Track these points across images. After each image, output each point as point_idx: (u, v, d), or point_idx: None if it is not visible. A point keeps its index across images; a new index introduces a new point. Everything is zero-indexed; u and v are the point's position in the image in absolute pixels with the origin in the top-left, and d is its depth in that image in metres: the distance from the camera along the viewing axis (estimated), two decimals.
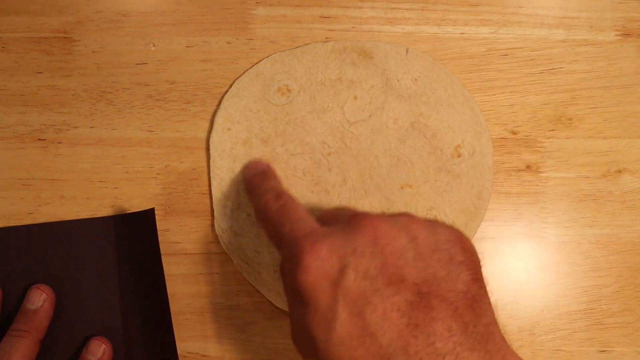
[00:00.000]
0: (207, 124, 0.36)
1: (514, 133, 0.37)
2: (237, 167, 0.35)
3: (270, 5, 0.37)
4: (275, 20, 0.37)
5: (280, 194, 0.30)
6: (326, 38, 0.37)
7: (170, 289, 0.35)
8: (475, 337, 0.23)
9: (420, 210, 0.35)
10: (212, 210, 0.35)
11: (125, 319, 0.34)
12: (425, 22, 0.37)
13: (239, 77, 0.36)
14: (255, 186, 0.32)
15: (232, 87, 0.36)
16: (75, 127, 0.36)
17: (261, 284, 0.35)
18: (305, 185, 0.35)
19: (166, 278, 0.35)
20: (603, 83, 0.37)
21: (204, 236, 0.36)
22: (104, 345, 0.33)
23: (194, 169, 0.36)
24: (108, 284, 0.34)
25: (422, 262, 0.24)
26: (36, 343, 0.32)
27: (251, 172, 0.34)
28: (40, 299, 0.32)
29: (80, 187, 0.36)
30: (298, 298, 0.25)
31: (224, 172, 0.35)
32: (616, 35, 0.38)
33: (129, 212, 0.35)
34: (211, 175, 0.35)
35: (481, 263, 0.26)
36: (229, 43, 0.37)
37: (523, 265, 0.36)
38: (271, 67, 0.36)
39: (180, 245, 0.35)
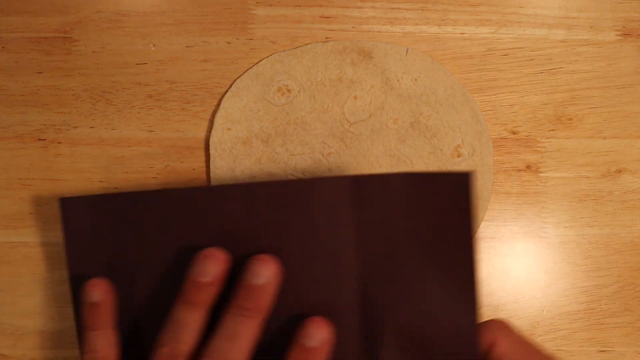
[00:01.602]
0: (207, 124, 0.36)
1: (514, 133, 0.37)
2: (237, 167, 0.35)
3: (270, 5, 0.37)
4: (275, 20, 0.37)
5: None
6: (326, 38, 0.37)
7: None
8: None
9: None
10: None
11: (376, 299, 0.27)
12: (425, 22, 0.37)
13: (239, 77, 0.36)
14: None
15: (232, 87, 0.36)
16: (75, 127, 0.36)
17: None
18: None
19: None
20: (603, 83, 0.37)
21: None
22: (326, 328, 0.26)
23: (194, 169, 0.36)
24: (344, 256, 0.28)
25: None
26: (262, 326, 0.27)
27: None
28: (268, 274, 0.27)
29: (80, 187, 0.36)
30: None
31: (224, 172, 0.35)
32: (616, 35, 0.38)
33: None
34: (211, 175, 0.35)
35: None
36: (229, 43, 0.37)
37: (523, 265, 0.36)
38: (271, 67, 0.36)
39: None
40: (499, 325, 0.26)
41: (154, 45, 0.37)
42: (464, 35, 0.37)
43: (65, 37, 0.37)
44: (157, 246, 0.29)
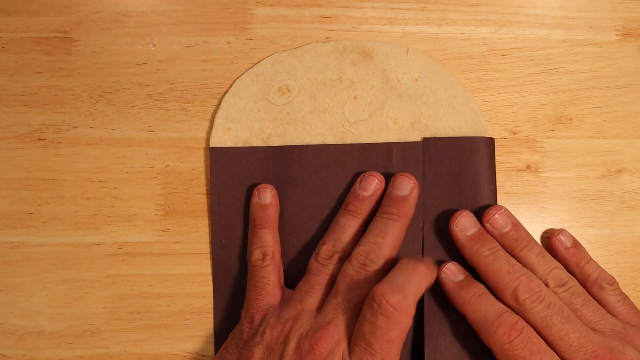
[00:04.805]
0: (207, 124, 0.36)
1: (514, 133, 0.37)
2: None
3: (270, 5, 0.37)
4: (275, 20, 0.37)
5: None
6: (326, 38, 0.37)
7: (170, 289, 0.35)
8: None
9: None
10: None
11: None
12: (425, 22, 0.37)
13: (239, 77, 0.36)
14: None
15: (232, 87, 0.36)
16: (75, 127, 0.36)
17: None
18: None
19: (166, 278, 0.35)
20: (603, 83, 0.37)
21: (204, 236, 0.36)
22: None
23: (194, 169, 0.36)
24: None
25: None
26: (404, 229, 0.33)
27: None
28: (408, 187, 0.33)
29: (80, 187, 0.36)
30: None
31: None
32: (616, 35, 0.38)
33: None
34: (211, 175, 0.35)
35: None
36: (229, 43, 0.37)
37: None
38: (271, 67, 0.36)
39: (180, 245, 0.35)
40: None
41: (154, 45, 0.37)
42: (464, 35, 0.37)
43: (65, 37, 0.37)
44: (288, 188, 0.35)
